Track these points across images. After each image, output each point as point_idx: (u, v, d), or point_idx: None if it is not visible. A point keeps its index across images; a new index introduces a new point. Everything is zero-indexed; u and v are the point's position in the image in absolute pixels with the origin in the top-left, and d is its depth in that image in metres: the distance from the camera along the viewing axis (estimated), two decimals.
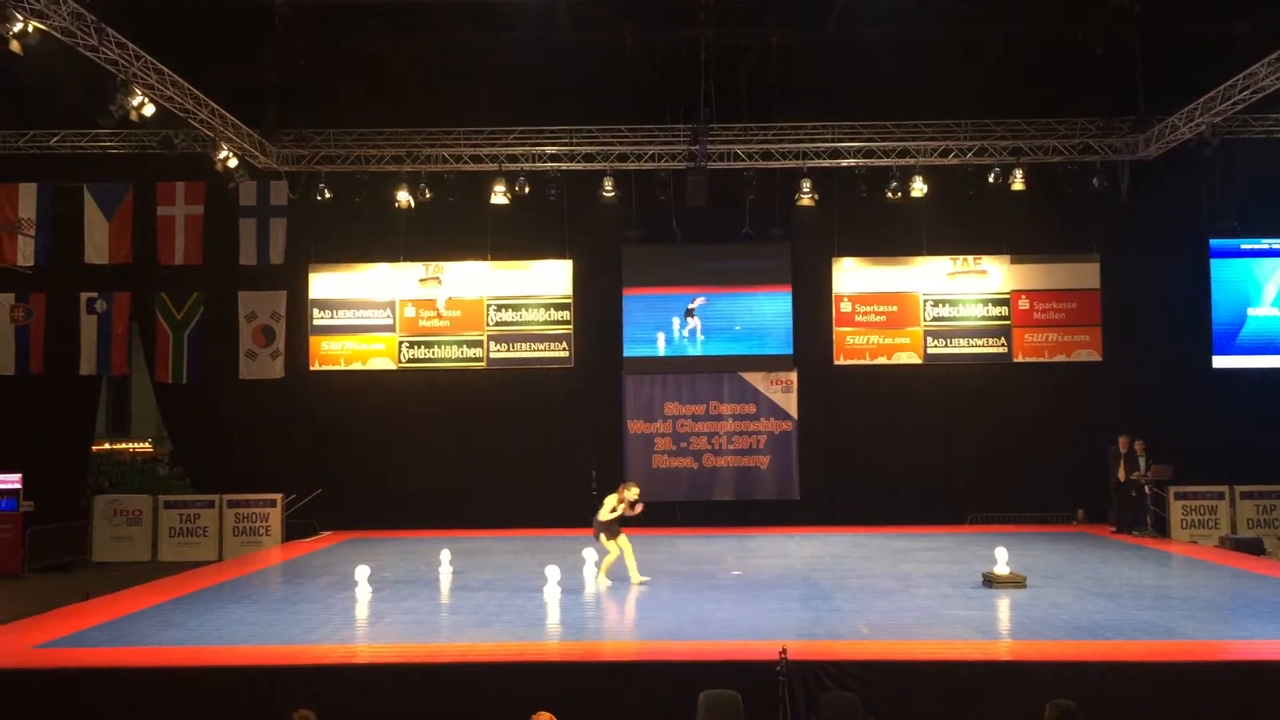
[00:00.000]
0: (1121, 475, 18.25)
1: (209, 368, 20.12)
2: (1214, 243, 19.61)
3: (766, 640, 9.48)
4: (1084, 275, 20.13)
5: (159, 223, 19.79)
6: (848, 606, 11.90)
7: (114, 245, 19.64)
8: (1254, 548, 17.01)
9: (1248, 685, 8.73)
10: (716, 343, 20.25)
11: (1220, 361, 19.50)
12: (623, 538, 13.54)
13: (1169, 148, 18.40)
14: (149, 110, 15.37)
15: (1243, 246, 19.64)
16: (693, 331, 20.20)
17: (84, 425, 20.84)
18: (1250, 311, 19.59)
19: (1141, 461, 18.12)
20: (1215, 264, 19.63)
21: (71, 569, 18.32)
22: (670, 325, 20.25)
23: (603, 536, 13.55)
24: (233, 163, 17.86)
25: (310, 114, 18.99)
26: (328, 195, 19.00)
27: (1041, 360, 20.09)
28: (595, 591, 13.09)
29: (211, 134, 17.35)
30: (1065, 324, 20.09)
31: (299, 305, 20.35)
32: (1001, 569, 13.02)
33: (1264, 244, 19.64)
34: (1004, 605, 11.95)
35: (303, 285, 20.35)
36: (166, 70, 15.64)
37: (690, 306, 20.19)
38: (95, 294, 19.94)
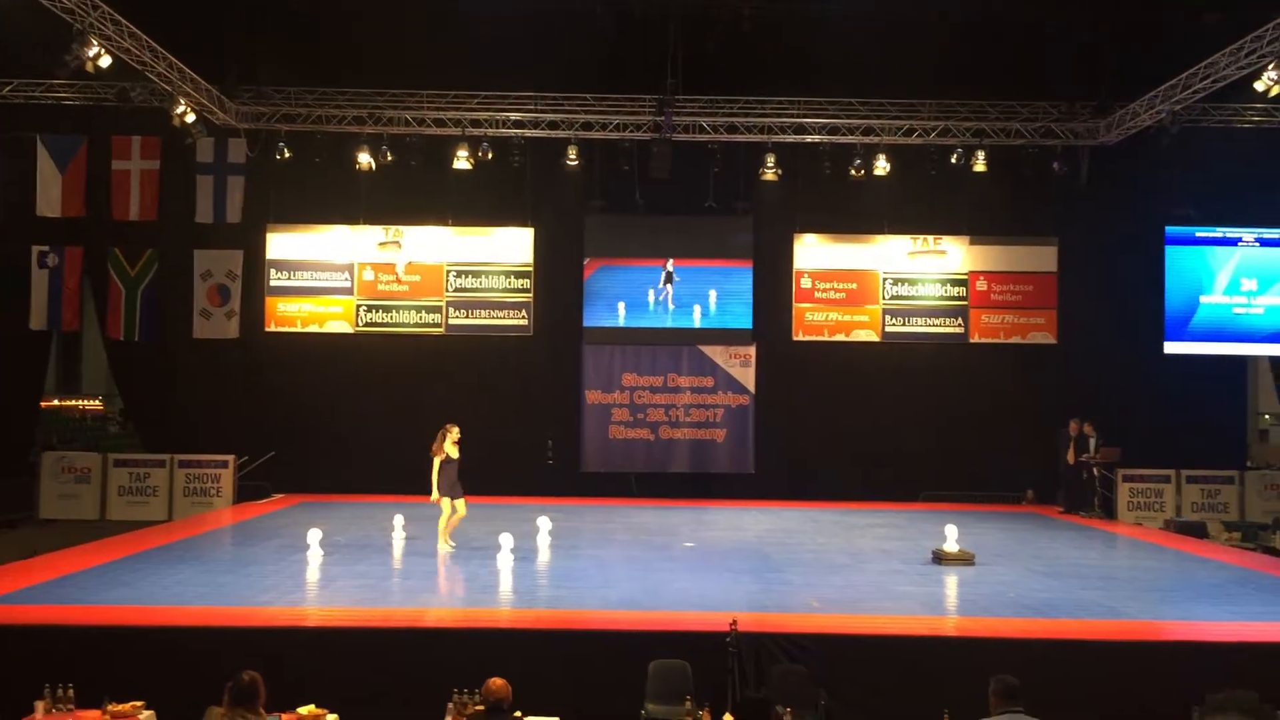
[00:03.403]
0: (1071, 457, 18.52)
1: (162, 326, 19.81)
2: (1170, 230, 19.81)
3: (718, 612, 9.54)
4: (1041, 258, 20.30)
5: (113, 177, 19.37)
6: (799, 580, 12.01)
7: (67, 198, 19.23)
8: (1197, 531, 17.34)
9: (1188, 665, 8.90)
10: (676, 314, 20.25)
11: (1171, 347, 19.75)
12: (447, 501, 13.57)
13: (1129, 134, 18.57)
14: (105, 62, 14.99)
15: (1198, 234, 19.86)
16: (667, 299, 20.16)
17: (33, 381, 20.55)
18: (1202, 299, 19.85)
19: (1091, 443, 18.39)
20: (1170, 251, 19.85)
21: (18, 526, 18.08)
22: (638, 295, 20.18)
23: (446, 497, 13.56)
24: (190, 118, 17.55)
25: (271, 71, 18.68)
26: (287, 154, 18.75)
27: (997, 341, 20.26)
28: (548, 559, 13.11)
29: (169, 88, 17.03)
30: (1022, 306, 20.27)
31: (255, 265, 20.09)
32: (951, 546, 13.19)
33: (1218, 233, 19.87)
34: (952, 582, 12.11)
35: (260, 245, 20.09)
36: (124, 21, 15.32)
37: (668, 270, 20.15)
38: (46, 248, 19.53)
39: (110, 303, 19.80)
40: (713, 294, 20.24)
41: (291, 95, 18.91)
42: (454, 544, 13.56)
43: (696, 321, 20.27)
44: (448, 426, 13.73)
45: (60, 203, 19.23)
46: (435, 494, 13.55)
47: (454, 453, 13.58)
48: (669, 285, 20.14)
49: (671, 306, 20.17)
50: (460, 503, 13.60)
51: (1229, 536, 17.78)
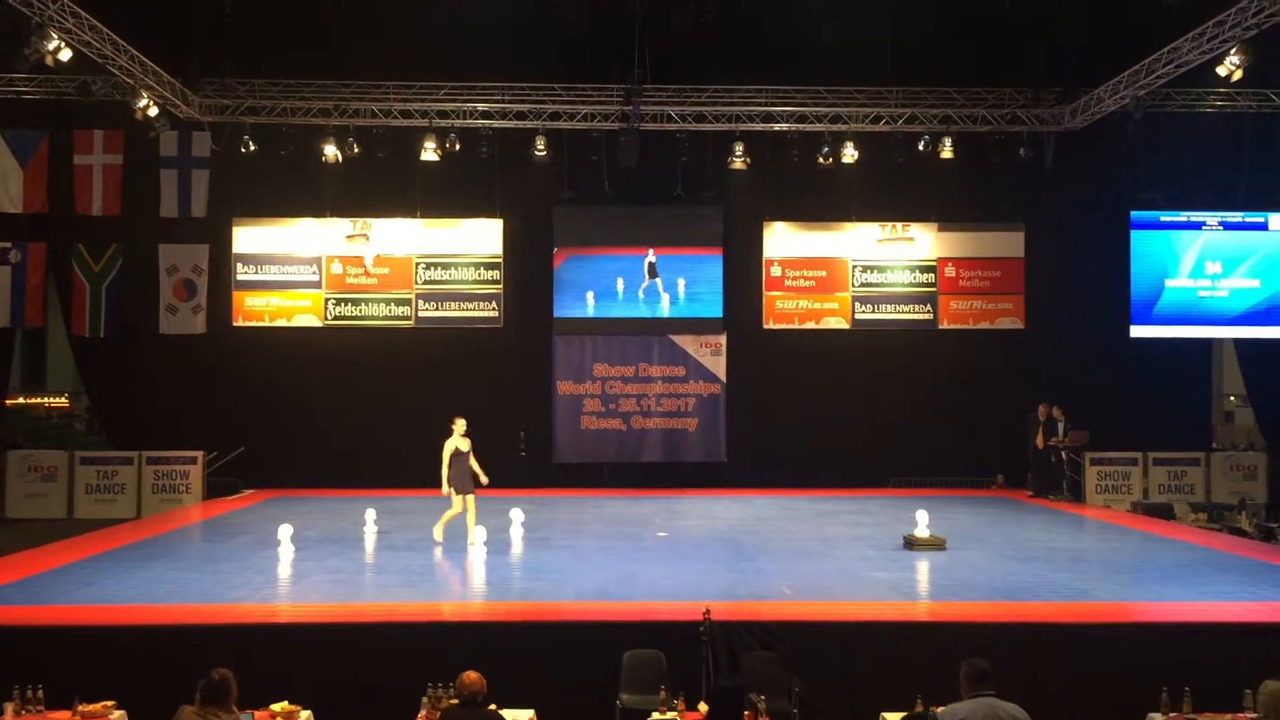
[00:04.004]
0: (1040, 441, 18.67)
1: (128, 322, 19.63)
2: (1135, 214, 19.96)
3: (691, 601, 9.56)
4: (1009, 244, 20.41)
5: (76, 172, 19.21)
6: (772, 568, 12.06)
7: (29, 194, 19.06)
8: (1164, 513, 17.56)
9: (1156, 646, 9.00)
10: (648, 304, 20.25)
11: (1137, 331, 19.91)
12: (458, 498, 13.31)
13: (1094, 119, 18.68)
14: (65, 55, 14.82)
15: (1162, 219, 20.02)
16: (656, 289, 20.17)
17: None
18: (1167, 283, 20.02)
19: (1060, 427, 18.53)
20: (1135, 235, 20.00)
21: None
22: (608, 285, 20.15)
23: (454, 491, 13.29)
24: (153, 111, 17.35)
25: (235, 63, 18.49)
26: (252, 147, 18.55)
27: (966, 327, 20.37)
28: (521, 551, 13.10)
29: (131, 81, 16.83)
30: (989, 292, 20.38)
31: (222, 259, 19.92)
32: (922, 531, 13.27)
33: (1183, 216, 20.03)
34: (924, 567, 12.18)
35: (225, 239, 19.91)
36: (84, 14, 15.11)
37: (651, 260, 20.14)
38: (9, 244, 19.32)
39: (75, 299, 19.60)
40: (681, 283, 20.25)
41: (256, 87, 18.74)
42: (441, 539, 13.37)
43: (665, 310, 20.27)
44: (455, 419, 13.54)
45: (22, 198, 19.06)
46: (445, 487, 13.25)
47: (464, 445, 13.34)
48: (654, 277, 20.13)
49: (659, 296, 20.14)
50: (470, 499, 13.31)
51: (1195, 518, 18.01)
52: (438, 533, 13.41)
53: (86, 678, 8.01)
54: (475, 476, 13.38)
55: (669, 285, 20.20)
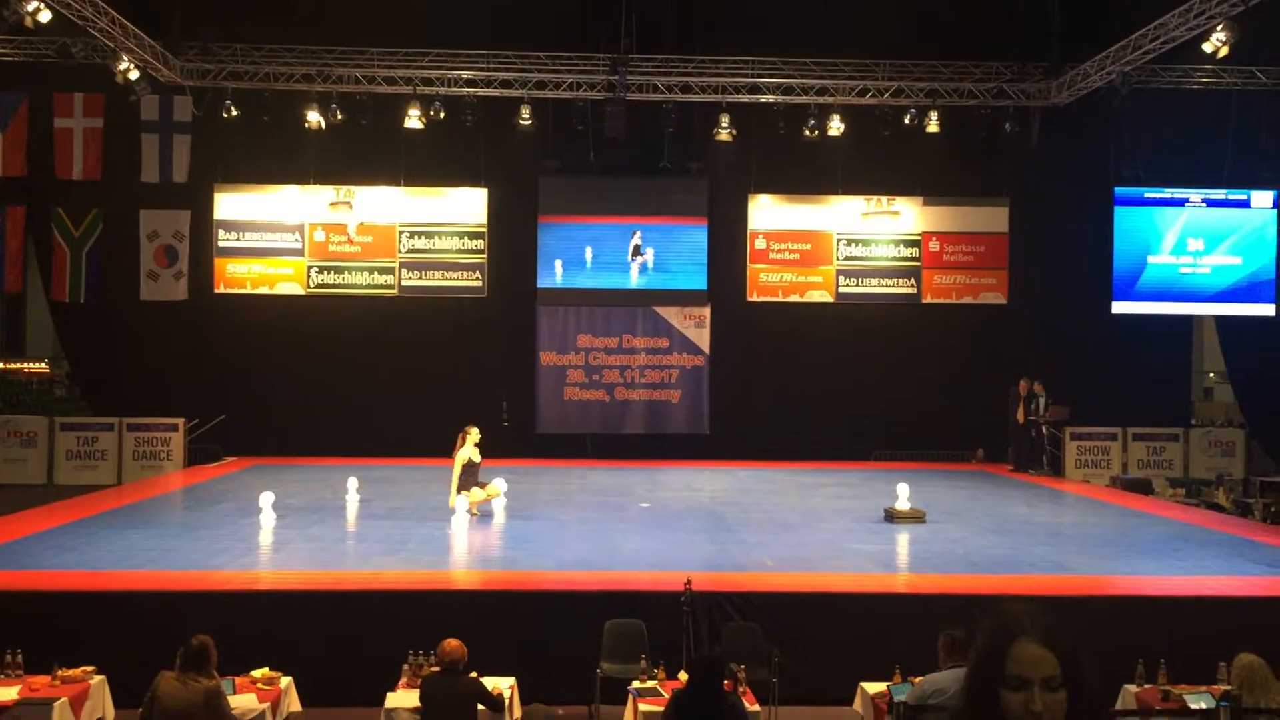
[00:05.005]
0: (1020, 416, 18.76)
1: (109, 287, 19.49)
2: (1118, 190, 19.96)
3: (672, 571, 9.59)
4: (993, 219, 20.41)
5: (56, 135, 18.97)
6: (753, 539, 12.11)
7: (8, 157, 18.83)
8: (1143, 488, 17.68)
9: (1133, 619, 9.08)
10: (624, 275, 20.22)
11: (1119, 307, 19.97)
12: (477, 490, 13.15)
13: (1079, 95, 18.65)
14: (45, 17, 14.58)
15: (1146, 195, 20.03)
16: (644, 265, 20.13)
17: None
18: (1150, 259, 20.06)
19: (1040, 402, 18.62)
20: (1119, 211, 20.01)
21: None
22: (593, 256, 20.09)
23: (474, 489, 13.15)
24: (134, 75, 17.14)
25: (217, 27, 18.30)
26: (234, 112, 18.38)
27: (949, 301, 20.39)
28: (503, 521, 13.12)
29: (111, 44, 16.62)
30: (973, 266, 20.40)
31: (203, 226, 19.76)
32: (903, 504, 13.32)
33: (1166, 193, 20.06)
34: (904, 540, 12.25)
35: (207, 205, 19.75)
36: None
37: (636, 243, 20.07)
38: None
39: (54, 264, 19.43)
40: (650, 252, 20.15)
41: (238, 52, 18.52)
42: (478, 511, 13.16)
43: (634, 280, 20.20)
44: (468, 428, 13.33)
45: (1, 161, 18.82)
46: (452, 500, 13.04)
47: (476, 456, 13.15)
48: (638, 257, 20.07)
49: (637, 276, 20.10)
50: (489, 486, 13.26)
51: (1173, 493, 18.14)
52: (473, 509, 13.18)
53: (66, 643, 8.01)
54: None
55: (653, 257, 20.14)
